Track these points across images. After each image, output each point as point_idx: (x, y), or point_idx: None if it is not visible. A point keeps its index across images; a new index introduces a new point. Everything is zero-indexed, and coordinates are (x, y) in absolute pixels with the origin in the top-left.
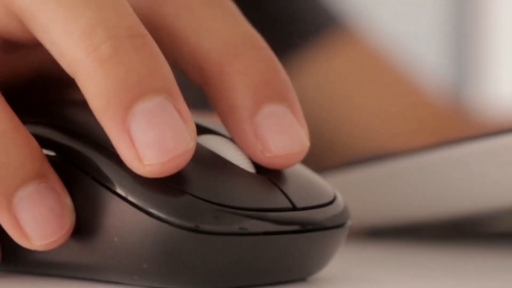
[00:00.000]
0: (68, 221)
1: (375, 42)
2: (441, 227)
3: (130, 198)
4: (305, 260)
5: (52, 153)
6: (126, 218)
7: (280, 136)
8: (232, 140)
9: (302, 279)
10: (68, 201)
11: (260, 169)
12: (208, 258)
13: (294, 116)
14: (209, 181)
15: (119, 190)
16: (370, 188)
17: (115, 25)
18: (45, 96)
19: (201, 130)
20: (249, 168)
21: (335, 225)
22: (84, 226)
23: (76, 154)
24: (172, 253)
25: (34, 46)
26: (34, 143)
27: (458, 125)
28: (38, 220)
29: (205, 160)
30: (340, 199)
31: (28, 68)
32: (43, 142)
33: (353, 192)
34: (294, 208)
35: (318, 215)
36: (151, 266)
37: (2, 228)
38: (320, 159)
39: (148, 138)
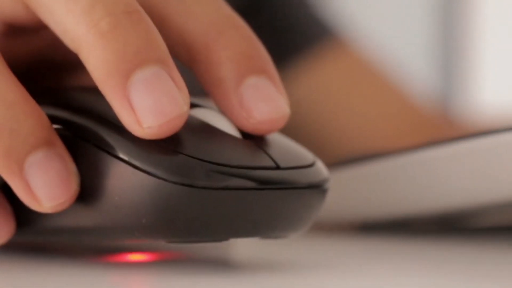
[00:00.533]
0: (74, 184)
1: (365, 51)
2: (429, 222)
3: (130, 160)
4: (287, 217)
5: (57, 126)
6: (126, 178)
7: (262, 104)
8: (220, 113)
9: (282, 237)
10: (73, 166)
11: (246, 137)
12: (201, 211)
13: (274, 86)
14: (201, 143)
15: (120, 154)
16: (362, 185)
17: (112, 2)
18: (43, 81)
19: (193, 105)
20: (236, 134)
21: (314, 184)
22: (88, 189)
23: (79, 126)
24: (168, 207)
25: (35, 32)
26: (42, 113)
27: (443, 129)
28: (47, 184)
29: (196, 127)
30: (319, 164)
31: (28, 53)
32: (49, 118)
33: (346, 188)
34: (278, 167)
35: (299, 174)
36: (149, 221)
37: (15, 199)
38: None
39: (146, 103)
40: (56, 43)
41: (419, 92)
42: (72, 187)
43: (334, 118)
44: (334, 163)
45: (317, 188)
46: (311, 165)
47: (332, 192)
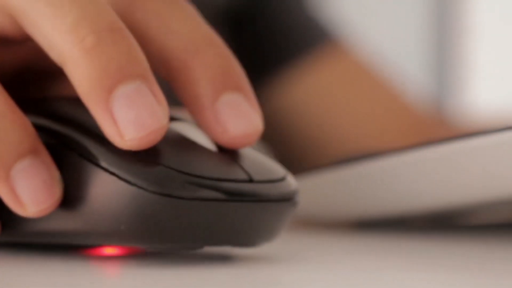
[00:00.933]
0: (57, 191)
1: (362, 54)
2: (423, 219)
3: (110, 168)
4: (259, 228)
5: (42, 135)
6: (107, 186)
7: (237, 119)
8: (197, 126)
9: (252, 245)
10: (57, 174)
11: (222, 150)
12: (176, 220)
13: (249, 103)
14: (178, 155)
15: (102, 163)
16: (358, 184)
17: (97, 20)
18: (28, 90)
19: (172, 118)
20: (213, 148)
21: (285, 197)
22: (71, 196)
23: (63, 135)
24: (145, 215)
25: (21, 43)
26: (28, 122)
27: (438, 130)
28: (32, 190)
29: (174, 139)
30: (290, 177)
31: (14, 62)
32: (35, 127)
33: (343, 187)
34: (251, 180)
35: (271, 187)
36: (127, 228)
37: (0, 203)
38: (312, 160)
39: (128, 116)
40: (41, 53)
41: (414, 94)
42: (55, 193)
43: (332, 120)
44: (331, 163)
45: (288, 201)
46: (282, 179)
47: (330, 191)
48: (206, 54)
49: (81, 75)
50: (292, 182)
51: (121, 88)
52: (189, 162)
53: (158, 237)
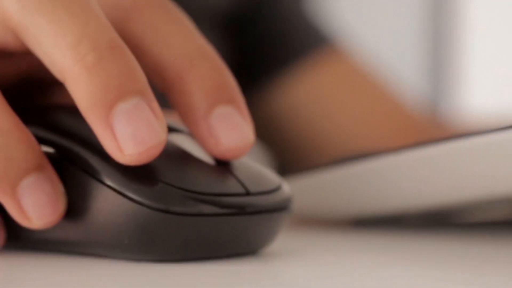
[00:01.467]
0: (61, 204)
1: (359, 58)
2: (419, 218)
3: (113, 185)
4: (256, 237)
5: (47, 150)
6: (109, 202)
7: (229, 132)
8: (192, 137)
9: (251, 252)
10: (61, 188)
11: (218, 161)
12: (177, 235)
13: (241, 115)
14: (177, 171)
15: (104, 179)
16: (355, 183)
17: (97, 38)
18: (29, 99)
19: (169, 129)
20: (209, 160)
21: (281, 208)
22: (75, 209)
23: (67, 151)
24: (147, 231)
25: (22, 55)
26: (33, 139)
27: (433, 131)
28: (37, 204)
29: (174, 154)
30: (284, 187)
31: (15, 73)
32: (39, 140)
33: (340, 186)
34: (248, 193)
35: (267, 199)
36: (131, 242)
37: (6, 212)
38: (310, 161)
39: (128, 132)
40: (42, 65)
41: (410, 96)
42: (60, 207)
43: (329, 122)
44: (329, 162)
45: (284, 210)
46: (277, 188)
47: (328, 190)
48: (201, 67)
49: (82, 91)
50: (286, 190)
51: (121, 104)
52: (188, 178)
53: (160, 251)
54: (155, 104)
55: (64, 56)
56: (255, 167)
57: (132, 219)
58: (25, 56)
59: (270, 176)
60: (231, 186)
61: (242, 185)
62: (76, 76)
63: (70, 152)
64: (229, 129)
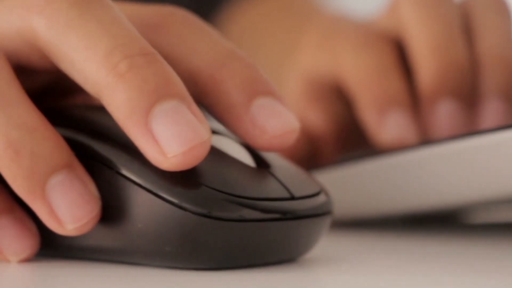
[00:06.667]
0: (95, 206)
1: None
2: (422, 218)
3: (153, 189)
4: (299, 243)
5: (81, 153)
6: (149, 207)
7: (273, 119)
8: (234, 139)
9: (293, 259)
10: (94, 189)
11: (259, 164)
12: (222, 241)
13: (281, 104)
14: (222, 174)
15: (143, 183)
16: (358, 183)
17: (129, 47)
18: (52, 103)
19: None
20: (251, 163)
21: (324, 212)
22: (112, 215)
23: (103, 153)
24: (192, 237)
25: (45, 72)
26: (61, 137)
27: None
28: (69, 204)
29: (216, 157)
30: (325, 190)
31: (37, 86)
32: (71, 143)
33: (343, 186)
34: (293, 198)
35: (312, 203)
36: (172, 249)
37: (38, 219)
38: None
39: (169, 133)
40: (60, 77)
41: None
42: (93, 208)
43: (258, 52)
44: (331, 162)
45: (327, 214)
46: (319, 192)
47: (332, 189)
48: (232, 65)
49: (118, 100)
50: (327, 193)
51: (159, 106)
52: (233, 182)
53: (203, 259)
54: (196, 108)
55: (97, 68)
56: (295, 170)
57: (175, 225)
58: (49, 73)
59: (310, 179)
60: (275, 190)
61: (286, 189)
62: (110, 85)
63: (106, 155)
64: (272, 117)
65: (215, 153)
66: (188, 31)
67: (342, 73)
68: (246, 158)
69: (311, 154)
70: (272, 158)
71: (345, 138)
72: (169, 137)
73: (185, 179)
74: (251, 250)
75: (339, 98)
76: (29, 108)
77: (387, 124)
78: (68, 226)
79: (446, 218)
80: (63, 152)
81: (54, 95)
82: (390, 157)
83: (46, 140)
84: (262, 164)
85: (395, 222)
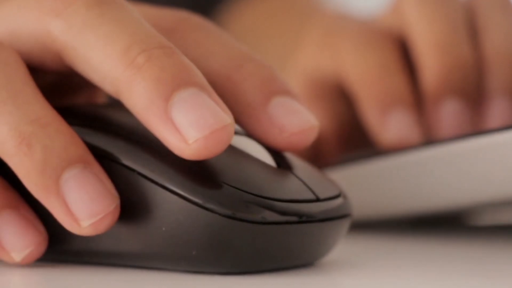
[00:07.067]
0: (112, 202)
1: None
2: (426, 220)
3: (176, 189)
4: (322, 245)
5: (98, 154)
6: (172, 208)
7: (291, 117)
8: (253, 139)
9: (311, 263)
10: (111, 187)
11: (280, 165)
12: (249, 245)
13: (299, 103)
14: (243, 174)
15: (165, 183)
16: (362, 184)
17: (147, 42)
18: (61, 100)
19: None
20: (272, 163)
21: (347, 214)
22: (133, 218)
23: (122, 154)
24: (221, 240)
25: (54, 72)
26: (75, 134)
27: None
28: (84, 199)
29: (237, 156)
30: (345, 191)
31: (42, 86)
32: (86, 144)
33: (344, 188)
34: (318, 199)
35: (335, 205)
36: (198, 253)
37: (55, 222)
38: None
39: (189, 118)
40: (68, 75)
41: None
42: (110, 204)
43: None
44: (332, 163)
45: (349, 216)
46: (340, 193)
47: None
48: (248, 66)
49: (136, 92)
50: (347, 196)
51: (178, 94)
52: (260, 183)
53: (230, 263)
54: (215, 96)
55: (115, 65)
56: (315, 171)
57: (202, 226)
58: (56, 73)
59: (329, 180)
60: (301, 191)
61: (311, 190)
62: (128, 79)
63: (124, 155)
64: (290, 115)
65: (236, 153)
66: (203, 35)
67: (343, 72)
68: (267, 158)
69: (312, 155)
70: (291, 158)
71: (347, 138)
72: (189, 123)
73: (207, 178)
74: (276, 253)
75: (341, 98)
76: (43, 105)
77: (389, 123)
78: (84, 222)
79: (451, 220)
80: (77, 147)
81: (58, 94)
82: (393, 157)
83: (60, 135)
84: (283, 165)
85: (398, 223)
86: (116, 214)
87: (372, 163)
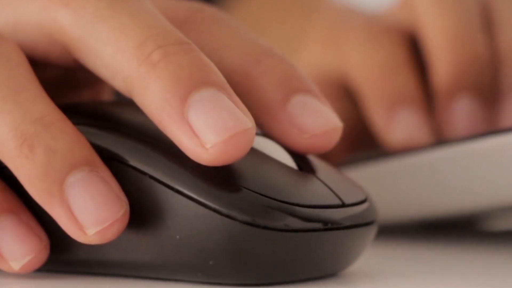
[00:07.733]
0: (120, 208)
1: None
2: (442, 224)
3: (193, 195)
4: (349, 253)
5: (106, 155)
6: (187, 214)
7: (312, 117)
8: (274, 140)
9: (334, 273)
10: (119, 191)
11: (301, 168)
12: (271, 254)
13: (321, 102)
14: (268, 180)
15: (179, 187)
16: (366, 187)
17: (162, 37)
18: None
19: None
20: (293, 166)
21: (374, 220)
22: (145, 225)
23: (132, 156)
24: (241, 249)
25: (59, 66)
26: (81, 134)
27: None
28: (90, 204)
29: (259, 160)
30: (370, 196)
31: (49, 81)
32: (93, 145)
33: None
34: (343, 205)
35: (361, 210)
36: (217, 263)
37: (59, 230)
38: None
39: (207, 121)
40: (73, 70)
41: None
42: (118, 210)
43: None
44: (337, 164)
45: (375, 222)
46: (366, 198)
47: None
48: (267, 61)
49: (150, 91)
50: (373, 201)
51: (195, 95)
52: (282, 188)
53: (250, 273)
54: (235, 97)
55: (128, 60)
56: (339, 174)
57: (221, 234)
58: (60, 68)
59: (356, 184)
60: (325, 196)
61: (336, 195)
62: (142, 76)
63: (136, 157)
64: (311, 115)
65: (255, 155)
66: (218, 28)
67: (349, 69)
68: (288, 160)
69: (316, 155)
70: (313, 160)
71: (353, 139)
72: (207, 126)
73: (225, 182)
74: (298, 263)
75: (346, 96)
76: (47, 103)
77: (396, 123)
78: (90, 230)
79: (464, 225)
80: (83, 148)
81: (60, 90)
82: (401, 159)
83: (64, 135)
84: (306, 168)
85: (407, 229)
86: (125, 221)
87: (379, 165)
